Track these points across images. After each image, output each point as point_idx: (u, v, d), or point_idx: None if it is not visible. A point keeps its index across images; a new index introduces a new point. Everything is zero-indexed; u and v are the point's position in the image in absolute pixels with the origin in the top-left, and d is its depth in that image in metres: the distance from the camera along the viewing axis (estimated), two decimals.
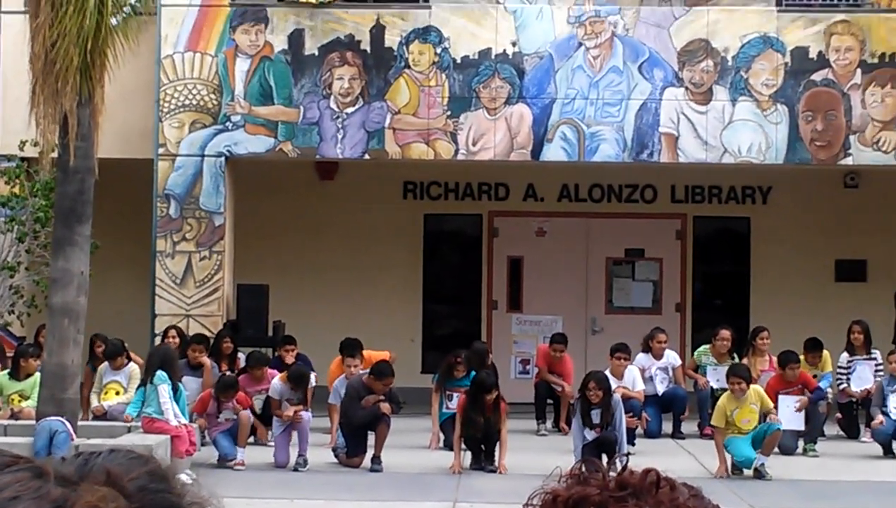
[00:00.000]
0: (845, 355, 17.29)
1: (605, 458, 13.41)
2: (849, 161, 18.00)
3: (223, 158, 17.89)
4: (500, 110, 17.84)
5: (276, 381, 15.01)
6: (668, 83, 17.83)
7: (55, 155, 13.32)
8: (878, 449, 15.70)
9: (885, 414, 15.79)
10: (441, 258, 21.18)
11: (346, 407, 14.60)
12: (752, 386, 14.63)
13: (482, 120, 17.85)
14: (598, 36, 17.88)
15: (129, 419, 13.90)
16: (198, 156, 17.86)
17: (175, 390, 13.56)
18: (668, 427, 17.23)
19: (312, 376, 15.33)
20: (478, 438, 14.31)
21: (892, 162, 17.84)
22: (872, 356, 17.24)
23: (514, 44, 17.86)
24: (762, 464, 14.05)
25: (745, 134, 17.79)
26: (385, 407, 14.28)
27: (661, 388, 17.31)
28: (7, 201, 17.49)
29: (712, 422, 14.67)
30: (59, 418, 12.79)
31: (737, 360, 16.68)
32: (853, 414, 17.19)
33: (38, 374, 14.53)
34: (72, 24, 12.62)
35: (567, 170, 19.74)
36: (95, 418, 15.43)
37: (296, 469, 14.07)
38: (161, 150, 17.86)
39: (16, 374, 15.58)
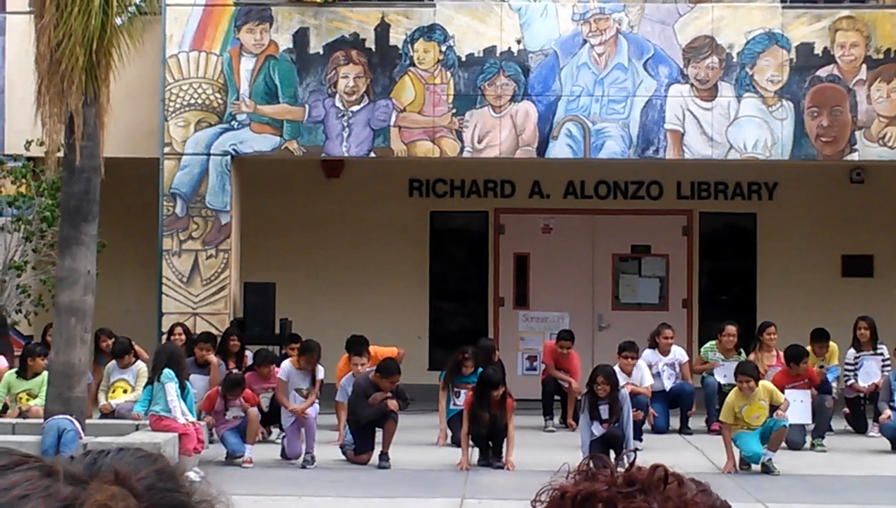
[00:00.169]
0: (852, 351, 17.29)
1: (612, 454, 13.42)
2: (854, 156, 17.99)
3: (229, 157, 17.90)
4: (506, 108, 17.84)
5: (286, 364, 15.01)
6: (674, 80, 17.82)
7: (61, 154, 13.33)
8: (886, 444, 15.69)
9: (893, 408, 15.78)
10: (447, 255, 21.18)
11: (353, 404, 14.61)
12: (761, 381, 14.63)
13: (487, 117, 17.85)
14: (603, 33, 17.88)
15: (138, 417, 13.91)
16: (204, 155, 17.87)
17: (182, 388, 13.57)
18: (675, 422, 17.23)
19: (320, 369, 15.29)
20: (485, 434, 14.31)
21: None
22: (879, 351, 17.24)
23: (518, 41, 17.86)
24: (769, 459, 14.04)
25: (751, 130, 17.78)
26: (392, 403, 14.29)
27: (668, 384, 17.31)
28: (13, 201, 17.51)
29: (721, 418, 14.66)
30: (68, 416, 12.80)
31: (744, 356, 16.68)
32: (861, 409, 17.18)
33: (45, 373, 14.55)
34: (77, 24, 12.63)
35: (573, 166, 19.74)
36: (103, 416, 15.45)
37: (303, 467, 14.07)
38: (167, 149, 17.87)
39: (24, 373, 15.60)
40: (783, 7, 17.85)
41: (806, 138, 17.79)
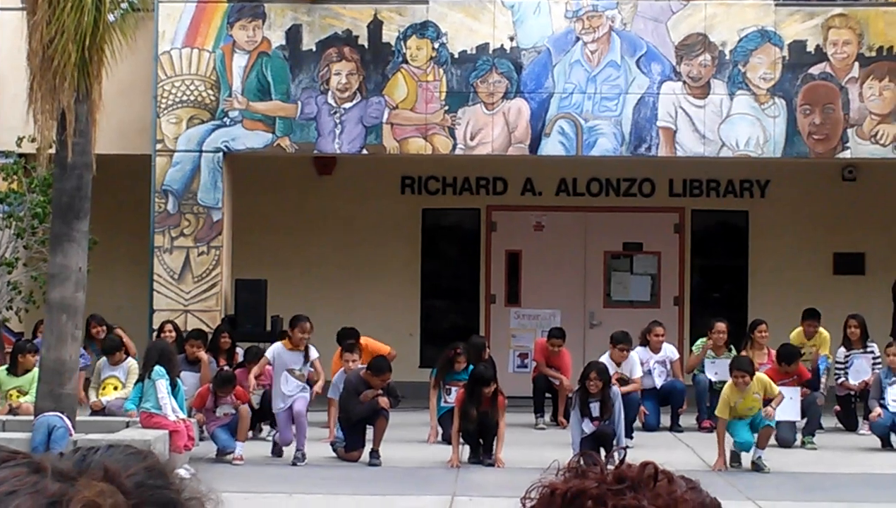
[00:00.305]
0: (842, 349, 17.32)
1: (603, 452, 13.43)
2: (847, 154, 18.00)
3: (221, 154, 17.88)
4: (498, 105, 17.84)
5: (277, 345, 14.86)
6: (666, 77, 17.82)
7: (53, 151, 13.31)
8: (877, 442, 15.71)
9: (883, 406, 15.81)
10: (439, 252, 21.18)
11: (344, 401, 14.60)
12: (757, 374, 14.68)
13: (480, 114, 17.85)
14: (596, 30, 17.88)
15: (133, 415, 13.88)
16: (196, 152, 17.85)
17: (173, 385, 13.56)
18: (666, 420, 17.25)
19: (313, 350, 15.03)
20: (475, 431, 14.31)
21: (889, 155, 17.84)
22: (869, 349, 17.27)
23: (511, 38, 17.86)
24: (759, 457, 14.06)
25: (743, 127, 17.79)
26: (383, 401, 14.28)
27: (659, 382, 17.32)
28: (5, 197, 17.48)
29: (717, 413, 14.70)
30: (58, 413, 12.79)
31: (734, 352, 16.72)
32: (851, 407, 17.21)
33: (36, 370, 14.53)
34: (69, 20, 12.61)
35: (565, 164, 19.75)
36: (93, 413, 15.44)
37: (294, 464, 14.06)
38: (159, 146, 17.85)
39: (14, 370, 15.59)
40: (776, 5, 17.86)
41: (798, 136, 17.80)
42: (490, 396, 14.25)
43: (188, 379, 15.29)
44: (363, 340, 16.21)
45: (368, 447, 14.24)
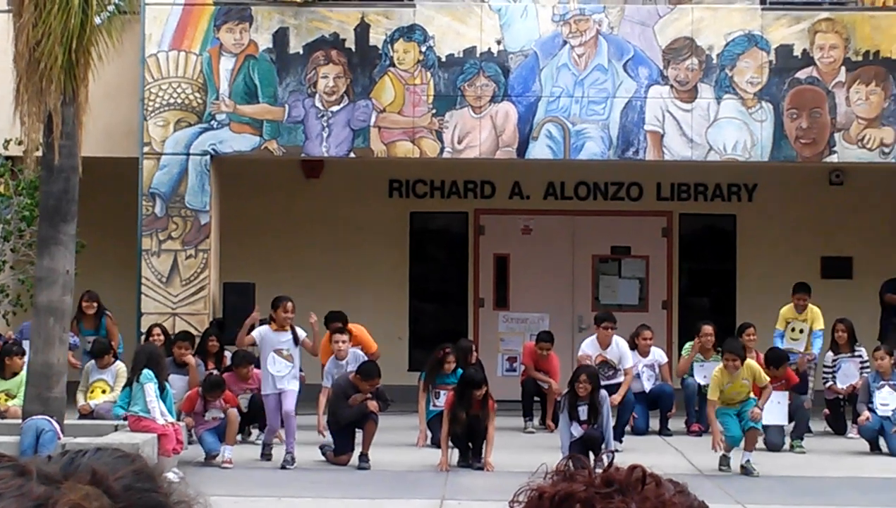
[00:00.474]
0: (830, 353, 17.36)
1: (591, 455, 13.44)
2: (834, 158, 18.04)
3: (208, 157, 17.87)
4: (486, 108, 17.84)
5: (263, 327, 14.81)
6: (654, 81, 17.84)
7: (40, 153, 13.29)
8: (865, 445, 15.75)
9: (872, 410, 15.84)
10: (427, 256, 21.18)
11: (333, 405, 14.59)
12: (748, 361, 14.72)
13: (467, 118, 17.85)
14: (583, 34, 17.90)
15: (126, 417, 13.81)
16: (183, 155, 17.84)
17: (161, 389, 13.54)
18: (655, 424, 17.26)
19: (300, 330, 14.99)
20: (468, 435, 14.30)
21: (876, 159, 17.88)
22: (857, 353, 17.30)
23: (498, 42, 17.87)
24: (748, 461, 14.08)
25: (731, 131, 17.82)
26: (373, 405, 14.28)
27: (647, 385, 17.34)
28: None
29: (708, 396, 14.78)
30: (46, 417, 12.77)
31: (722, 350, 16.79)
32: (840, 411, 17.24)
33: (24, 373, 14.50)
34: (56, 22, 12.59)
35: (553, 167, 19.76)
36: (82, 417, 15.41)
37: (283, 467, 14.05)
38: (146, 149, 17.83)
39: (1, 373, 15.56)
40: (763, 9, 17.89)
41: (785, 140, 17.83)
42: (480, 399, 14.25)
43: (176, 382, 15.27)
44: (352, 327, 16.23)
45: (358, 450, 14.23)
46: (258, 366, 15.50)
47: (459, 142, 17.87)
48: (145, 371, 13.46)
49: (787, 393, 15.84)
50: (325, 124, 17.85)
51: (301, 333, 14.79)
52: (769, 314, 18.11)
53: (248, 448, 15.08)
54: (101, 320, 17.51)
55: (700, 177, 20.62)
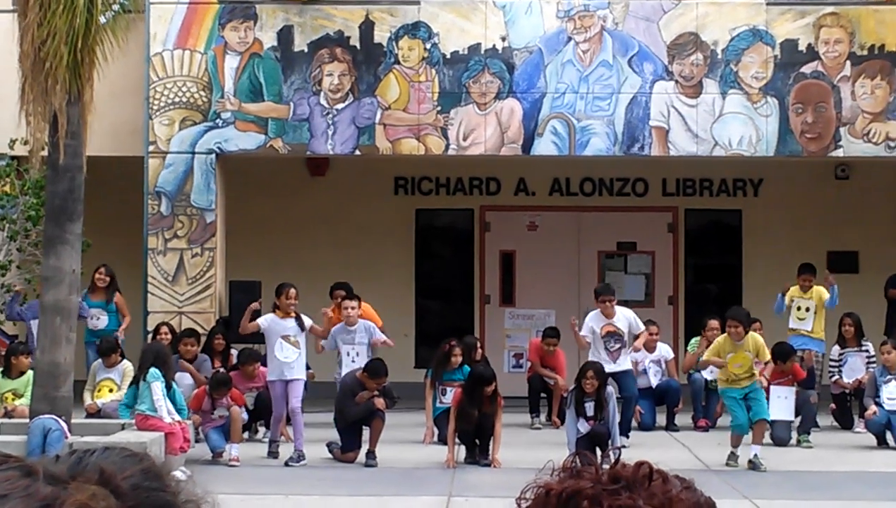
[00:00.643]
0: (836, 347, 17.36)
1: (598, 451, 13.44)
2: (839, 153, 18.02)
3: (214, 155, 17.87)
4: (491, 105, 17.84)
5: (268, 315, 14.82)
6: (658, 77, 17.83)
7: (45, 153, 13.30)
8: (872, 440, 15.73)
9: (879, 404, 15.83)
10: (433, 253, 21.18)
11: (340, 402, 14.60)
12: (752, 333, 14.62)
13: (472, 115, 17.85)
14: (588, 30, 17.88)
15: (131, 411, 13.79)
16: (188, 154, 17.84)
17: (168, 387, 13.55)
18: (661, 419, 17.26)
19: (306, 318, 15.01)
20: (475, 432, 14.30)
21: (882, 153, 17.86)
22: (864, 348, 17.29)
23: (503, 39, 17.86)
24: (756, 455, 14.05)
25: (736, 126, 17.80)
26: (380, 402, 14.28)
27: (654, 381, 17.33)
28: None
29: (704, 356, 14.75)
30: (53, 416, 12.78)
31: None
32: (846, 405, 17.23)
33: (31, 372, 14.52)
34: (61, 22, 12.60)
35: (558, 164, 19.76)
36: (89, 416, 15.42)
37: (286, 465, 14.05)
38: (151, 148, 17.84)
39: (8, 373, 15.58)
40: (767, 4, 17.87)
41: (791, 135, 17.82)
42: (489, 396, 14.24)
43: (184, 379, 15.30)
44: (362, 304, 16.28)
45: (365, 448, 14.24)
46: (264, 364, 15.51)
47: (465, 138, 17.87)
48: (152, 369, 13.47)
49: (794, 388, 15.84)
50: (330, 122, 17.85)
51: (307, 321, 14.81)
52: (775, 315, 18.07)
53: (255, 446, 15.09)
54: (112, 295, 17.48)
55: (705, 173, 20.61)
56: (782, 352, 15.96)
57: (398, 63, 17.86)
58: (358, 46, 17.87)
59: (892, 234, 20.04)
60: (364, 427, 14.35)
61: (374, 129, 17.85)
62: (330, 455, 14.49)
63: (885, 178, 19.80)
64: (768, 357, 14.75)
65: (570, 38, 17.88)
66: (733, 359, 14.34)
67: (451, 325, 19.83)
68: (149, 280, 17.69)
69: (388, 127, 17.85)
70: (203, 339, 16.74)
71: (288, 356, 14.52)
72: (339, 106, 17.84)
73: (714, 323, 17.38)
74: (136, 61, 17.44)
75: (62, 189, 13.11)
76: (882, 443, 15.63)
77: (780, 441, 15.56)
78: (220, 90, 17.88)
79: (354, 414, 14.28)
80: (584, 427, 14.02)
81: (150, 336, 16.94)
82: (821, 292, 17.49)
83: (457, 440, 14.28)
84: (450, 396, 15.20)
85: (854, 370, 17.14)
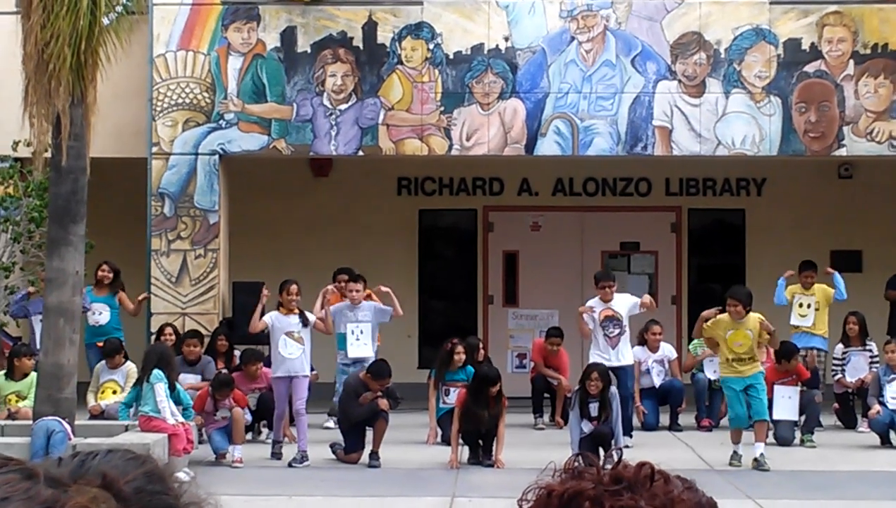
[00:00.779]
0: (840, 346, 17.34)
1: (601, 452, 13.45)
2: (843, 152, 18.01)
3: (217, 156, 17.88)
4: (494, 105, 17.84)
5: (273, 313, 14.85)
6: (661, 76, 17.83)
7: (48, 155, 13.30)
8: (876, 439, 15.72)
9: (882, 403, 15.82)
10: (436, 253, 21.18)
11: (343, 403, 14.61)
12: (754, 314, 14.46)
13: (475, 115, 17.85)
14: (591, 30, 17.88)
15: (145, 421, 13.72)
16: (191, 155, 17.85)
17: (172, 388, 13.55)
18: (665, 419, 17.25)
19: (309, 314, 15.04)
20: (478, 433, 14.30)
21: (885, 152, 17.85)
22: (868, 347, 17.28)
23: (506, 39, 17.86)
24: (762, 454, 14.02)
25: (739, 126, 17.80)
26: (383, 403, 14.28)
27: (657, 381, 17.33)
28: (1, 202, 17.47)
29: (703, 333, 14.66)
30: (57, 418, 12.78)
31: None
32: (850, 405, 17.22)
33: (34, 374, 14.53)
34: (65, 24, 12.61)
35: (561, 164, 19.75)
36: (92, 417, 15.43)
37: (290, 465, 14.05)
38: (154, 149, 17.85)
39: (12, 374, 15.58)
40: (770, 3, 17.86)
41: (794, 134, 17.81)
42: (494, 397, 14.24)
43: (187, 380, 15.31)
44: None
45: (368, 449, 14.24)
46: (267, 365, 15.52)
47: (468, 139, 17.87)
48: (155, 371, 13.47)
49: (798, 388, 15.83)
50: (333, 123, 17.85)
51: (311, 317, 14.84)
52: (779, 308, 18.08)
53: (258, 447, 15.10)
54: (115, 292, 17.47)
55: (709, 172, 20.61)
56: (786, 351, 15.96)
57: (401, 63, 17.86)
58: (361, 47, 17.88)
59: None
60: (368, 428, 14.36)
61: (377, 130, 17.85)
62: (333, 457, 14.49)
63: (888, 177, 19.79)
64: (767, 337, 14.60)
65: (573, 38, 17.88)
66: (733, 337, 14.23)
67: (454, 326, 19.83)
68: (152, 281, 17.70)
69: (392, 127, 17.86)
70: (206, 341, 16.75)
71: (292, 352, 14.55)
72: (343, 106, 17.84)
73: None
74: (139, 63, 17.45)
75: (65, 190, 13.11)
76: (886, 443, 15.62)
77: (783, 440, 15.56)
78: (223, 91, 17.89)
79: (358, 415, 14.28)
80: (587, 427, 14.02)
81: (153, 337, 16.95)
82: (825, 290, 17.47)
83: (460, 440, 14.28)
84: (453, 397, 15.20)
85: (857, 369, 17.13)
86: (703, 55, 17.82)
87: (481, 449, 14.34)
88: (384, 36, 17.89)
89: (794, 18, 17.85)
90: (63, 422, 12.77)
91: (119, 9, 14.09)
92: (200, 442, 14.28)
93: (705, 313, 14.73)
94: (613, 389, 14.48)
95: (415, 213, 20.87)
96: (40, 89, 12.78)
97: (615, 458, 1.69)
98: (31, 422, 13.13)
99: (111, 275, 17.45)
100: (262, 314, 14.84)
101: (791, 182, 20.41)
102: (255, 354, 15.67)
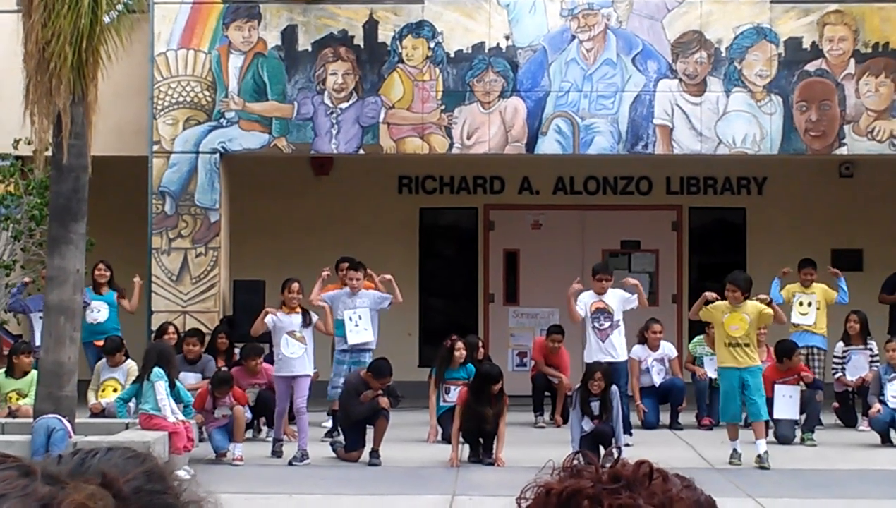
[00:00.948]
0: (841, 344, 17.34)
1: (602, 450, 13.45)
2: (843, 151, 18.01)
3: (218, 155, 17.88)
4: (495, 104, 17.84)
5: (279, 313, 14.88)
6: (662, 75, 17.83)
7: (49, 153, 13.31)
8: (876, 438, 15.72)
9: (883, 402, 15.82)
10: (437, 252, 21.18)
11: (344, 401, 14.61)
12: (752, 301, 14.42)
13: (476, 114, 17.85)
14: (592, 28, 17.88)
15: (146, 419, 13.70)
16: (192, 153, 17.85)
17: (172, 385, 13.56)
18: (665, 418, 17.25)
19: (313, 314, 15.05)
20: (479, 431, 14.30)
21: (886, 151, 17.85)
22: (869, 346, 17.27)
23: (507, 37, 17.86)
24: (765, 452, 13.99)
25: (740, 125, 17.80)
26: (384, 401, 14.28)
27: (658, 379, 17.33)
28: (2, 200, 17.47)
29: (701, 316, 14.64)
30: (57, 416, 12.79)
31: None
32: (850, 403, 17.22)
33: (34, 372, 14.54)
34: (66, 22, 12.61)
35: (562, 162, 19.75)
36: (93, 415, 15.44)
37: (290, 464, 14.06)
38: (155, 147, 17.85)
39: (12, 372, 15.59)
40: (771, 2, 17.86)
41: (795, 133, 17.81)
42: (495, 395, 14.24)
43: (187, 378, 15.31)
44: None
45: (368, 447, 14.24)
46: (267, 361, 15.53)
47: (468, 137, 17.87)
48: (155, 369, 13.48)
49: (798, 387, 15.83)
50: (334, 121, 17.85)
51: (313, 316, 14.86)
52: (780, 307, 18.06)
53: (258, 445, 15.10)
54: (114, 290, 17.47)
55: (709, 171, 20.61)
56: (785, 349, 15.96)
57: (402, 62, 17.87)
58: (362, 45, 17.88)
59: None
60: (368, 426, 14.36)
61: (377, 128, 17.85)
62: (334, 455, 14.50)
63: (889, 176, 19.78)
64: (770, 321, 14.57)
65: (573, 37, 17.88)
66: (729, 320, 14.17)
67: (454, 324, 19.82)
68: (153, 279, 17.71)
69: (392, 126, 17.86)
70: (207, 339, 16.75)
71: (294, 352, 14.56)
72: (343, 105, 17.84)
73: None
74: (140, 61, 17.45)
75: (66, 189, 13.12)
76: (886, 441, 15.62)
77: (784, 439, 15.55)
78: (224, 90, 17.89)
79: (359, 413, 14.28)
80: (588, 425, 14.02)
81: (153, 335, 16.95)
82: (826, 290, 17.46)
83: (461, 439, 14.28)
84: (453, 395, 15.21)
85: (858, 368, 17.13)
86: (704, 54, 17.82)
87: (482, 448, 14.34)
88: (385, 34, 17.89)
89: (794, 17, 17.84)
90: (63, 420, 12.78)
91: (120, 7, 14.09)
92: (201, 440, 14.28)
93: (708, 293, 14.67)
94: (615, 388, 14.47)
95: (415, 212, 20.87)
96: (41, 87, 12.79)
97: (614, 456, 1.71)
98: (31, 420, 13.14)
99: (108, 274, 17.46)
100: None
101: (792, 181, 20.41)
102: (256, 349, 15.65)
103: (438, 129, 17.86)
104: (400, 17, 17.90)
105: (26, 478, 1.37)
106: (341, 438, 14.66)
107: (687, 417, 17.25)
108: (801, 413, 15.88)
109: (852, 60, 17.80)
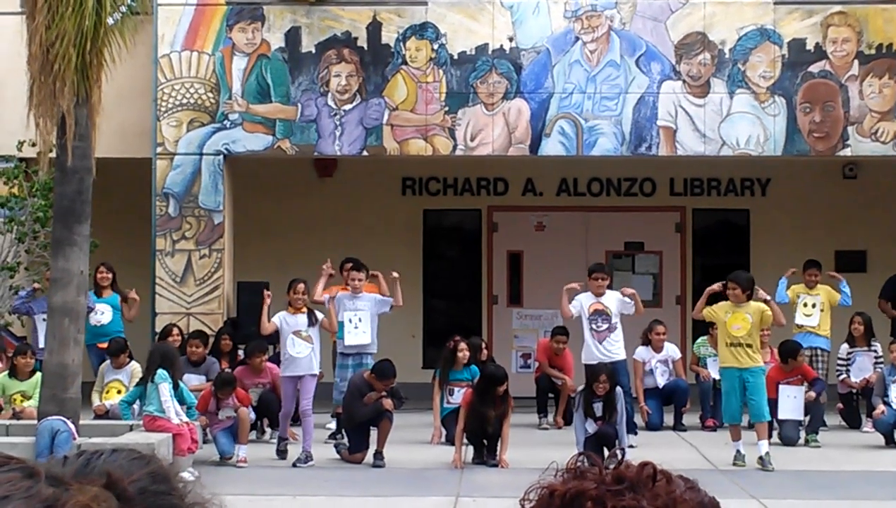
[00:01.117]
0: (845, 346, 17.34)
1: (606, 451, 13.45)
2: (847, 152, 18.00)
3: (221, 156, 17.89)
4: (498, 105, 17.84)
5: (281, 313, 14.87)
6: (666, 76, 17.82)
7: (53, 155, 13.32)
8: (880, 439, 15.72)
9: (887, 404, 15.82)
10: (441, 253, 21.19)
11: (348, 403, 14.61)
12: (755, 302, 14.36)
13: (480, 115, 17.85)
14: (595, 30, 17.88)
15: (150, 420, 13.70)
16: (196, 155, 17.86)
17: (175, 387, 13.56)
18: (669, 419, 17.25)
19: (318, 313, 15.05)
20: (483, 432, 14.30)
21: (890, 152, 17.84)
22: (873, 347, 17.27)
23: (511, 39, 17.86)
24: (767, 453, 13.99)
25: (744, 126, 17.79)
26: (388, 403, 14.29)
27: (661, 381, 17.33)
28: (6, 202, 17.49)
29: (703, 315, 14.59)
30: (61, 417, 12.80)
31: None
32: (854, 405, 17.21)
33: (39, 374, 14.55)
34: (69, 24, 12.62)
35: (566, 164, 19.75)
36: (97, 417, 15.45)
37: (294, 465, 14.06)
38: (159, 149, 17.86)
39: (16, 374, 15.60)
40: (775, 3, 17.86)
41: (798, 134, 17.80)
42: (500, 396, 14.24)
43: (191, 380, 15.31)
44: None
45: (372, 449, 14.25)
46: (272, 361, 15.53)
47: (472, 139, 17.87)
48: (160, 370, 13.49)
49: (803, 388, 15.82)
50: (337, 123, 17.86)
51: (319, 315, 14.87)
52: (783, 308, 18.05)
53: (262, 447, 15.10)
54: (117, 292, 17.47)
55: (713, 172, 20.60)
56: (789, 350, 15.95)
57: (406, 64, 17.87)
58: (365, 47, 17.88)
59: None
60: (372, 428, 14.36)
61: (381, 130, 17.86)
62: (338, 456, 14.50)
63: (892, 177, 19.77)
64: (770, 321, 14.54)
65: (577, 38, 17.88)
66: (731, 320, 14.16)
67: (458, 326, 19.82)
68: (157, 281, 17.72)
69: (396, 127, 17.87)
70: (210, 341, 16.75)
71: (300, 351, 14.58)
72: (347, 107, 17.85)
73: None
74: (143, 63, 17.47)
75: (70, 190, 13.13)
76: (890, 443, 15.61)
77: (788, 440, 15.55)
78: (227, 91, 17.90)
79: (363, 415, 14.29)
80: (591, 427, 14.02)
81: (157, 337, 16.96)
82: (830, 292, 17.45)
83: (464, 440, 14.28)
84: (457, 396, 15.21)
85: (862, 369, 17.13)
86: (708, 55, 17.81)
87: (486, 449, 14.33)
88: (388, 36, 17.89)
89: (798, 18, 17.84)
90: (67, 422, 12.78)
91: (124, 9, 14.09)
92: (205, 442, 14.29)
93: (711, 287, 14.63)
94: (619, 389, 14.47)
95: (419, 213, 20.87)
96: (45, 89, 12.80)
97: (618, 458, 1.71)
98: (35, 422, 13.14)
99: (110, 276, 17.47)
100: (269, 316, 14.84)
101: (795, 182, 20.40)
102: (261, 345, 15.64)
103: (442, 131, 17.86)
104: (403, 19, 17.91)
105: (30, 480, 1.37)
106: (345, 440, 14.66)
107: (691, 418, 17.26)
108: (806, 414, 15.87)
109: (856, 62, 17.80)
